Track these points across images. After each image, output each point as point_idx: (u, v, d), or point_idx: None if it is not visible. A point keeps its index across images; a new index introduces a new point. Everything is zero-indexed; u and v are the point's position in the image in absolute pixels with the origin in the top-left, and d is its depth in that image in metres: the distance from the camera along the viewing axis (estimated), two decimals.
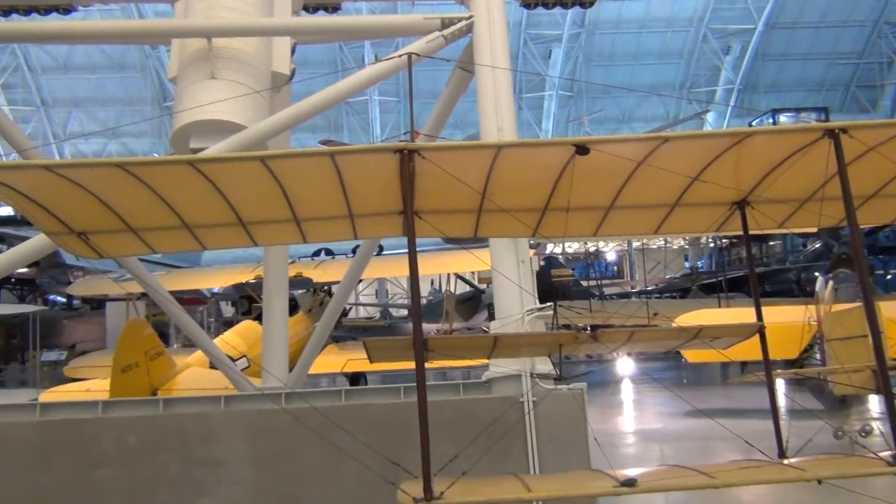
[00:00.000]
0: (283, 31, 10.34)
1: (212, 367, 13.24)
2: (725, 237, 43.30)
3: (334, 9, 13.54)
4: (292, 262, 23.96)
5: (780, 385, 24.07)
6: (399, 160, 5.54)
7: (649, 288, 45.27)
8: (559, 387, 8.50)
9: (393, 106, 52.98)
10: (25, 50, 52.78)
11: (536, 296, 9.32)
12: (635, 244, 57.49)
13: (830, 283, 17.56)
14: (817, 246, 38.41)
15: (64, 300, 38.95)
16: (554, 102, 54.36)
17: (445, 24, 9.91)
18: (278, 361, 11.41)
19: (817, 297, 16.87)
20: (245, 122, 9.12)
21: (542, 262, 37.31)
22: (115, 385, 12.02)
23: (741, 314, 16.33)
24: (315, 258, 29.79)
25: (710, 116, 53.33)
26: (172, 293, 12.81)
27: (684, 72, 54.43)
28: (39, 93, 54.91)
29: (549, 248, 50.46)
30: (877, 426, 14.48)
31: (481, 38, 9.89)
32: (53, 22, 12.60)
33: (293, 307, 20.49)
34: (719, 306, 24.48)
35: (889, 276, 47.18)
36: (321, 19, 13.38)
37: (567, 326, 13.87)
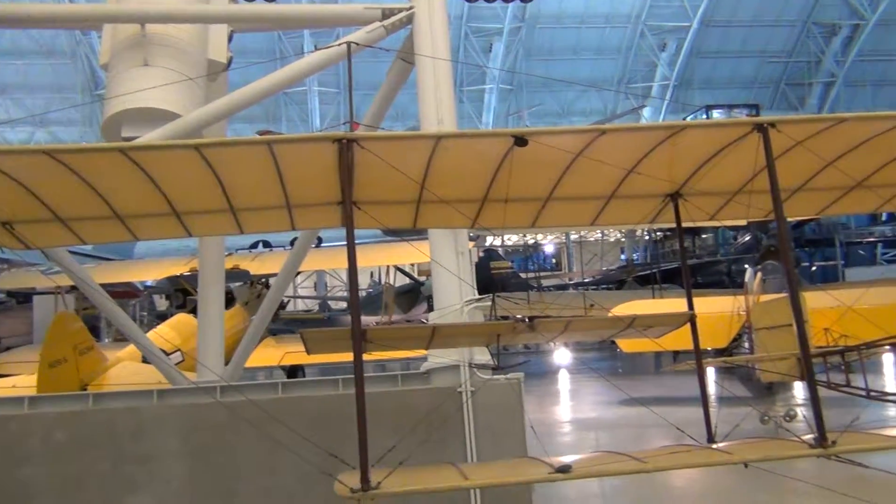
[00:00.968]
0: (220, 18, 10.14)
1: (144, 361, 12.95)
2: (660, 230, 44.30)
3: None
4: (229, 255, 23.54)
5: (710, 373, 24.81)
6: (338, 150, 5.50)
7: (586, 280, 46.00)
8: (497, 377, 8.58)
9: (333, 97, 52.44)
10: None
11: (475, 287, 9.39)
12: (573, 236, 58.26)
13: (759, 274, 18.17)
14: (747, 239, 39.58)
15: None
16: (494, 96, 54.55)
17: (386, 14, 9.87)
18: (214, 355, 11.22)
19: (746, 288, 17.43)
20: (179, 111, 8.92)
21: (482, 255, 37.54)
22: (42, 380, 11.67)
23: (674, 304, 16.71)
24: (253, 250, 29.37)
25: (646, 111, 54.31)
26: (103, 286, 12.48)
27: (622, 67, 55.25)
28: None
29: (489, 240, 50.83)
30: (801, 411, 15.07)
31: (422, 29, 9.87)
32: None
33: (230, 300, 20.16)
34: (653, 297, 25.01)
35: (814, 268, 49.00)
36: (259, 7, 13.20)
37: (506, 318, 14.02)
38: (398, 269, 31.41)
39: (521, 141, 5.52)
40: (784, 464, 6.76)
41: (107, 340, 27.17)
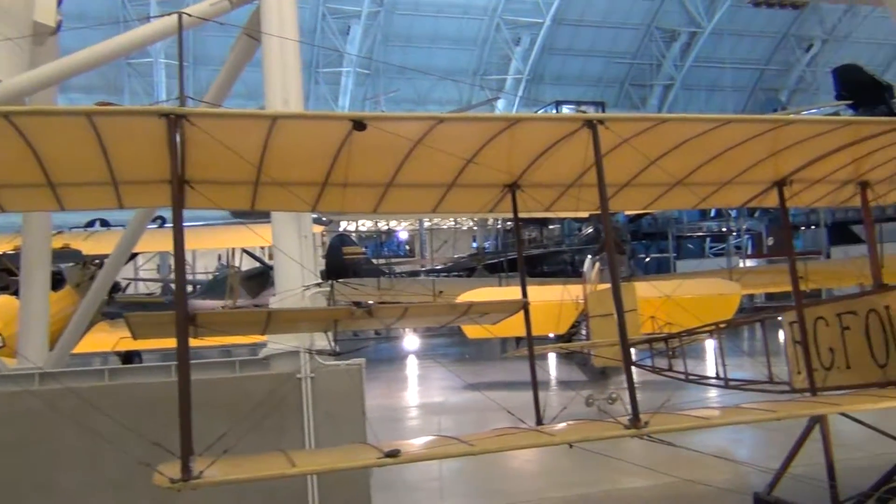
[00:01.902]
0: None
1: None
2: (509, 220, 45.59)
3: None
4: (59, 233, 22.06)
5: (551, 358, 25.90)
6: (166, 125, 5.24)
7: (437, 267, 46.69)
8: (337, 363, 8.53)
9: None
10: None
11: (318, 272, 9.28)
12: (426, 224, 58.91)
13: (597, 264, 19.08)
14: (590, 231, 41.51)
15: None
16: (351, 79, 54.08)
17: None
18: (36, 340, 10.46)
19: (584, 278, 18.27)
20: None
21: (334, 240, 37.25)
22: None
23: (518, 292, 17.23)
24: (88, 228, 27.64)
25: (500, 104, 55.61)
26: None
27: (478, 58, 56.26)
28: None
29: (343, 225, 50.48)
30: (624, 395, 16.00)
31: (269, 6, 9.57)
32: None
33: (60, 281, 18.87)
34: (500, 285, 25.75)
35: (648, 259, 52.18)
36: None
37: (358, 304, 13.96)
38: (246, 252, 30.57)
39: (359, 125, 5.46)
40: (613, 445, 7.17)
41: None
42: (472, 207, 7.84)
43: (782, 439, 9.00)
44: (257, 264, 31.85)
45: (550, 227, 48.36)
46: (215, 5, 9.45)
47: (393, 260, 52.05)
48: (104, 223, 31.33)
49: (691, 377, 11.41)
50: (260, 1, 9.65)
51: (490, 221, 53.54)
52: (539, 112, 48.31)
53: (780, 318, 9.21)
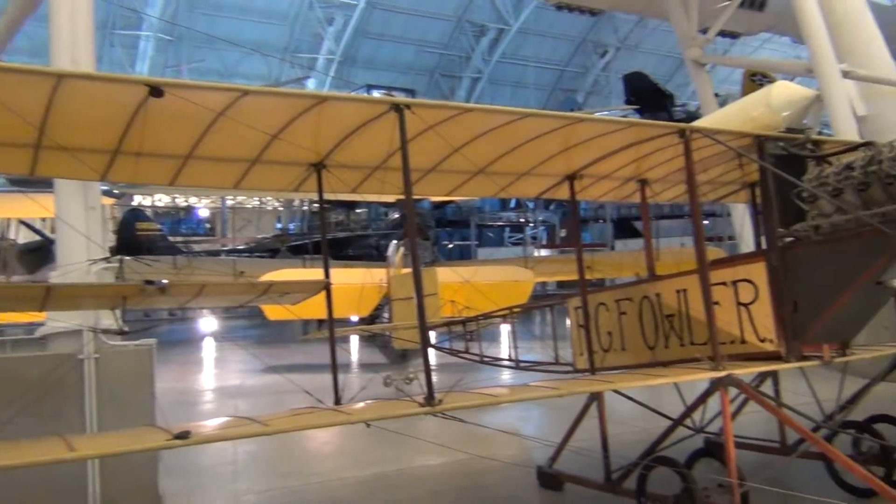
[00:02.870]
0: None
1: None
2: (315, 201, 45.13)
3: None
4: None
5: (353, 341, 26.03)
6: None
7: (240, 247, 45.31)
8: (125, 343, 8.07)
9: None
10: None
11: (107, 247, 8.69)
12: (230, 202, 56.87)
13: (401, 249, 19.41)
14: (396, 216, 42.03)
15: None
16: (151, 44, 50.80)
17: None
18: None
19: (388, 261, 18.54)
20: None
21: (127, 214, 34.98)
22: None
23: (321, 274, 17.15)
24: None
25: (310, 83, 54.64)
26: None
27: (288, 34, 54.84)
28: None
29: (137, 199, 47.50)
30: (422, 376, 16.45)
31: None
32: None
33: None
34: (304, 267, 25.45)
35: (451, 246, 53.82)
36: None
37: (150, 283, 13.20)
38: (24, 223, 27.98)
39: (156, 91, 5.18)
40: (409, 424, 7.34)
41: None
42: (276, 185, 7.70)
43: (565, 417, 9.63)
44: (37, 237, 29.21)
45: (357, 210, 48.41)
46: None
47: (192, 238, 49.83)
48: None
49: (486, 359, 11.94)
50: None
51: (296, 202, 52.61)
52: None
53: (566, 304, 9.86)
